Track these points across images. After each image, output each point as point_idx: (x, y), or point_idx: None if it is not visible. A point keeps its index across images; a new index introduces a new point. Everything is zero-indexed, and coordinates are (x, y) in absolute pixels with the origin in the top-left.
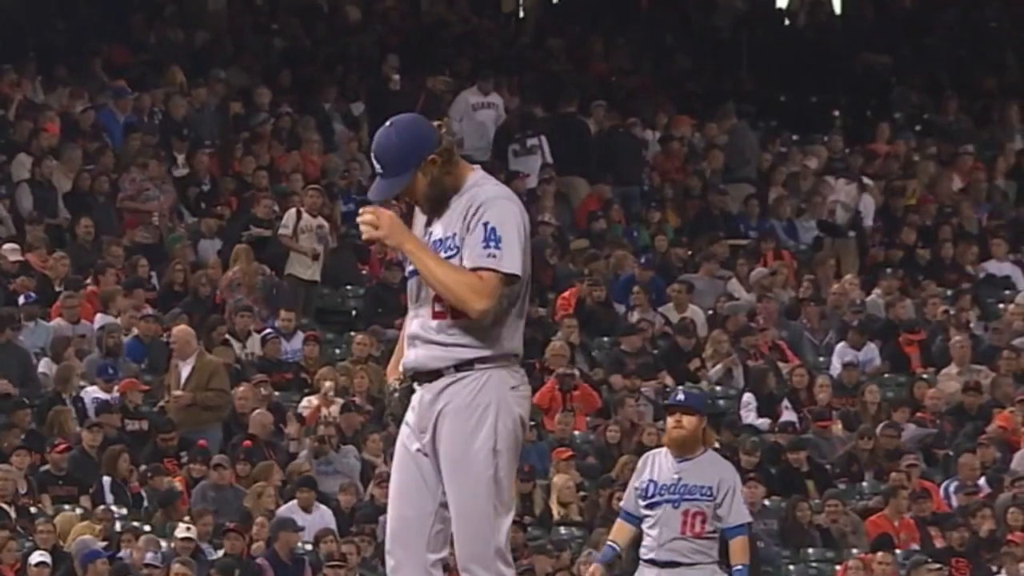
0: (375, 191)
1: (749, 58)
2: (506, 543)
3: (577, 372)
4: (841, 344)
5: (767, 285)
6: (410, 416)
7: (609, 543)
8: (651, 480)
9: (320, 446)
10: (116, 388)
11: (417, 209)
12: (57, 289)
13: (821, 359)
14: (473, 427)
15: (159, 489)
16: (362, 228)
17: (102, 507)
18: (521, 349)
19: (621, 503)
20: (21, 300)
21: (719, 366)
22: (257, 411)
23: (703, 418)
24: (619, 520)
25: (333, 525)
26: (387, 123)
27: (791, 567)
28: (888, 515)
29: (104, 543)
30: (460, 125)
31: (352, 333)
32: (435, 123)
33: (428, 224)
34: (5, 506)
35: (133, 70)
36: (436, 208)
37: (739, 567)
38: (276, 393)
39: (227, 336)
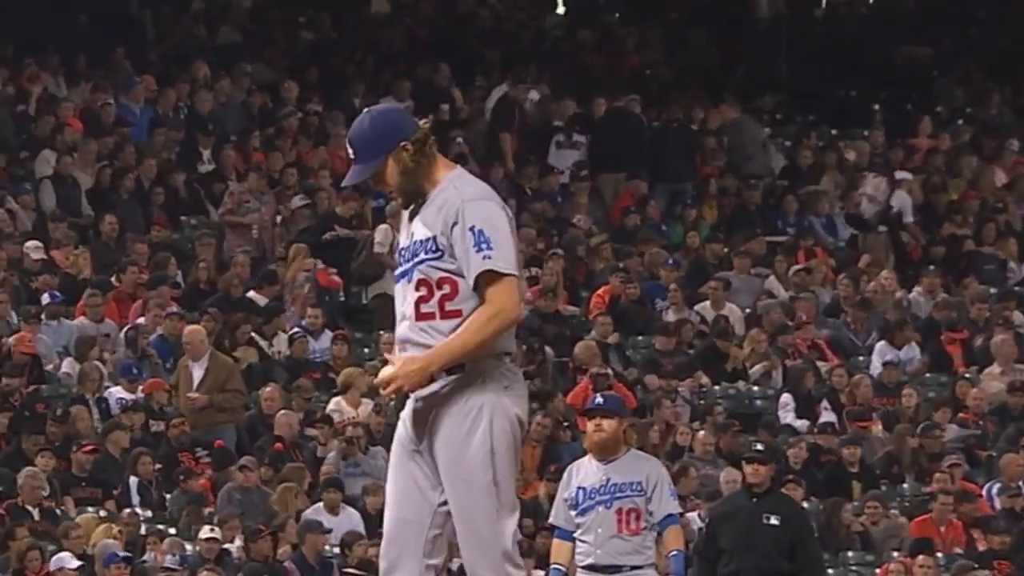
0: (348, 177)
1: (787, 50)
2: (512, 545)
3: (611, 372)
4: (881, 343)
5: (801, 283)
6: (405, 419)
7: (554, 567)
8: (579, 488)
9: (348, 448)
10: (140, 388)
11: (403, 212)
12: (88, 290)
13: (861, 358)
14: (468, 431)
15: (184, 491)
16: (389, 391)
17: (127, 510)
18: (512, 347)
19: (551, 520)
20: (45, 299)
21: (758, 366)
22: (283, 412)
23: (623, 420)
24: (555, 540)
25: (361, 527)
26: (365, 110)
27: (830, 570)
28: (934, 519)
29: (126, 546)
30: None
31: (381, 332)
32: (421, 120)
33: (410, 223)
34: (30, 508)
35: (158, 65)
36: (411, 201)
37: (675, 552)
38: (308, 399)
39: (252, 335)
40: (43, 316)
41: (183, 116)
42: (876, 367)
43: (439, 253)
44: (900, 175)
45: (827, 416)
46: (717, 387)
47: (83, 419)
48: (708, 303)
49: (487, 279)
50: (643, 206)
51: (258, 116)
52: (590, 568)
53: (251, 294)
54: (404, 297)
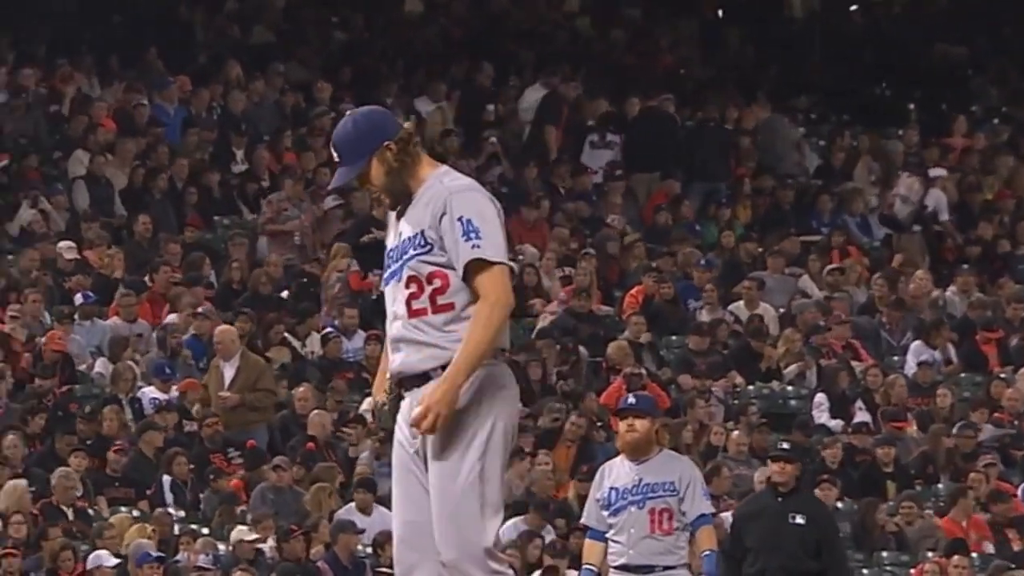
0: (334, 179)
1: (822, 49)
2: (495, 543)
3: (644, 371)
4: (916, 342)
5: (835, 283)
6: (401, 422)
7: (586, 567)
8: (611, 488)
9: (381, 448)
10: (174, 388)
11: (391, 215)
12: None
13: (895, 358)
14: (459, 429)
15: (216, 491)
16: (428, 424)
17: (160, 509)
18: (507, 343)
19: (583, 520)
20: (78, 299)
21: (793, 366)
22: (316, 412)
23: (655, 420)
24: (587, 541)
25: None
26: (348, 113)
27: (864, 571)
28: (955, 516)
29: (159, 545)
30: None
31: None
32: (403, 121)
33: (398, 224)
34: (65, 508)
35: (191, 65)
36: (399, 201)
37: (708, 552)
38: (341, 400)
39: (285, 335)
40: (76, 316)
41: (216, 116)
42: (911, 367)
43: (428, 247)
44: (935, 172)
45: (861, 416)
46: (751, 387)
47: (116, 419)
48: (742, 303)
49: (477, 268)
50: (676, 206)
51: (291, 116)
52: (623, 568)
53: (285, 294)
54: (394, 297)
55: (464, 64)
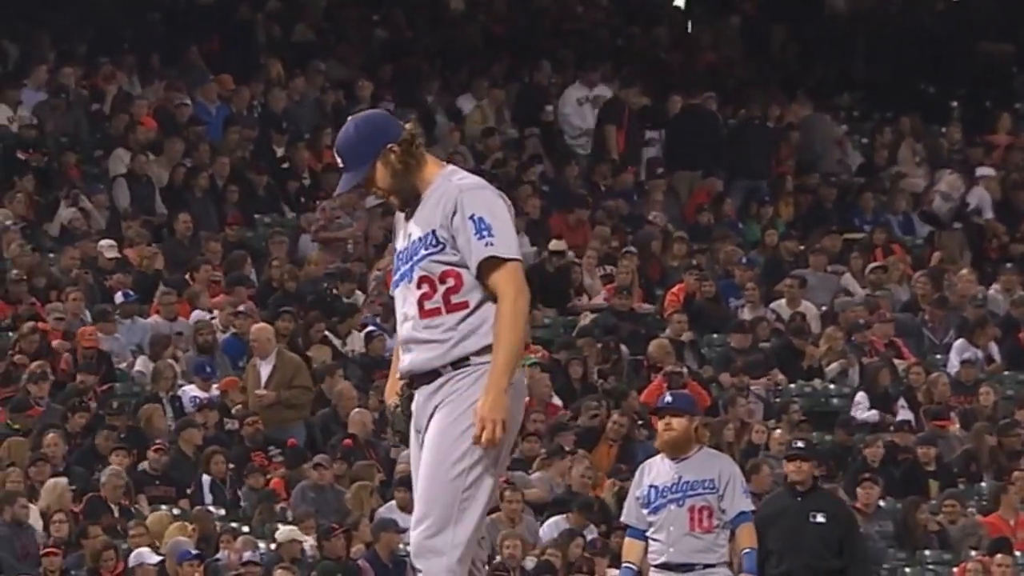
0: (340, 185)
1: (865, 47)
2: (470, 540)
3: (686, 370)
4: (960, 340)
5: (878, 280)
6: (414, 412)
7: (626, 566)
8: (651, 486)
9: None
10: (215, 386)
11: (398, 215)
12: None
13: (938, 356)
14: (455, 419)
15: (256, 489)
16: (488, 435)
17: (200, 507)
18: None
19: (623, 519)
20: (118, 297)
21: (835, 364)
22: (357, 410)
23: (693, 419)
24: (627, 539)
25: None
26: (349, 118)
27: (907, 569)
28: (1002, 514)
29: (199, 543)
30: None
31: None
32: (403, 122)
33: (406, 226)
34: (112, 506)
35: (233, 63)
36: (406, 203)
37: (747, 550)
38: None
39: (326, 333)
40: (117, 314)
41: (257, 114)
42: (954, 365)
43: (440, 246)
44: (981, 171)
45: (904, 414)
46: (793, 385)
47: (157, 417)
48: (784, 301)
49: (491, 266)
50: (718, 204)
51: (332, 114)
52: (663, 567)
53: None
54: (405, 299)
55: (505, 62)
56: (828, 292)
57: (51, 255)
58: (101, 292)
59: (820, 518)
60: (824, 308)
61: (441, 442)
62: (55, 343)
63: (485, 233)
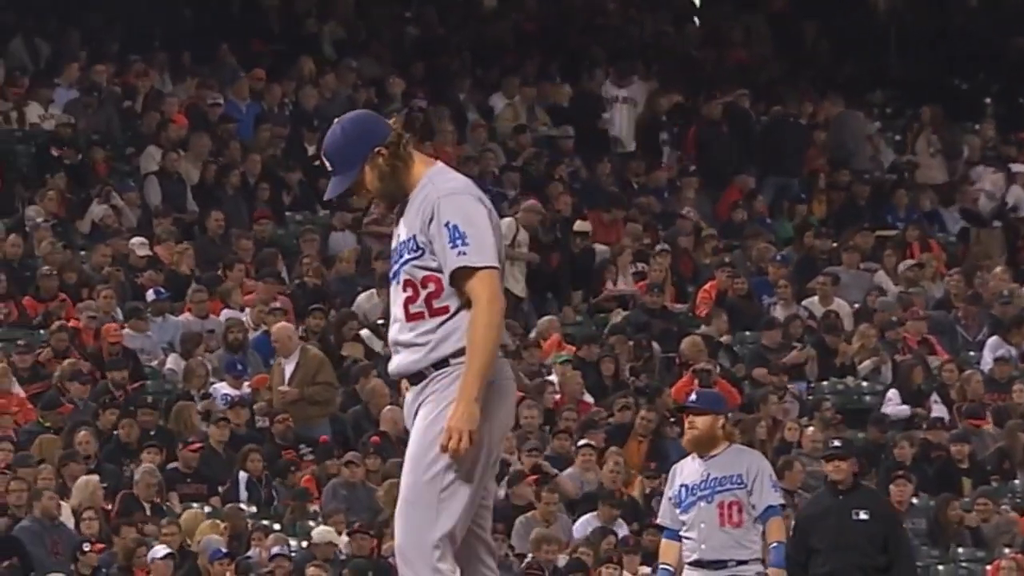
0: (328, 189)
1: (897, 43)
2: (447, 538)
3: (718, 368)
4: (993, 338)
5: (913, 277)
6: (407, 414)
7: (662, 566)
8: (682, 485)
9: None
10: (246, 384)
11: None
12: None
13: (972, 353)
14: (435, 417)
15: (288, 486)
16: (455, 444)
17: (232, 505)
18: (505, 339)
19: (658, 520)
20: (150, 295)
21: (868, 362)
22: (389, 407)
23: (718, 416)
24: (663, 540)
25: None
26: (336, 121)
27: (940, 567)
28: None
29: (230, 541)
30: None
31: None
32: (389, 119)
33: (398, 225)
34: (145, 504)
35: (265, 60)
36: (393, 204)
37: (776, 544)
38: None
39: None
40: (148, 312)
41: (288, 112)
42: (987, 362)
43: (420, 252)
44: (1016, 168)
45: (937, 411)
46: (825, 383)
47: (189, 415)
48: (816, 298)
49: (463, 275)
50: (750, 201)
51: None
52: (696, 564)
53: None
54: (394, 299)
55: (537, 59)
56: (861, 289)
57: (82, 252)
58: (132, 290)
59: (863, 515)
60: (857, 305)
61: (418, 444)
62: (85, 341)
63: (459, 242)
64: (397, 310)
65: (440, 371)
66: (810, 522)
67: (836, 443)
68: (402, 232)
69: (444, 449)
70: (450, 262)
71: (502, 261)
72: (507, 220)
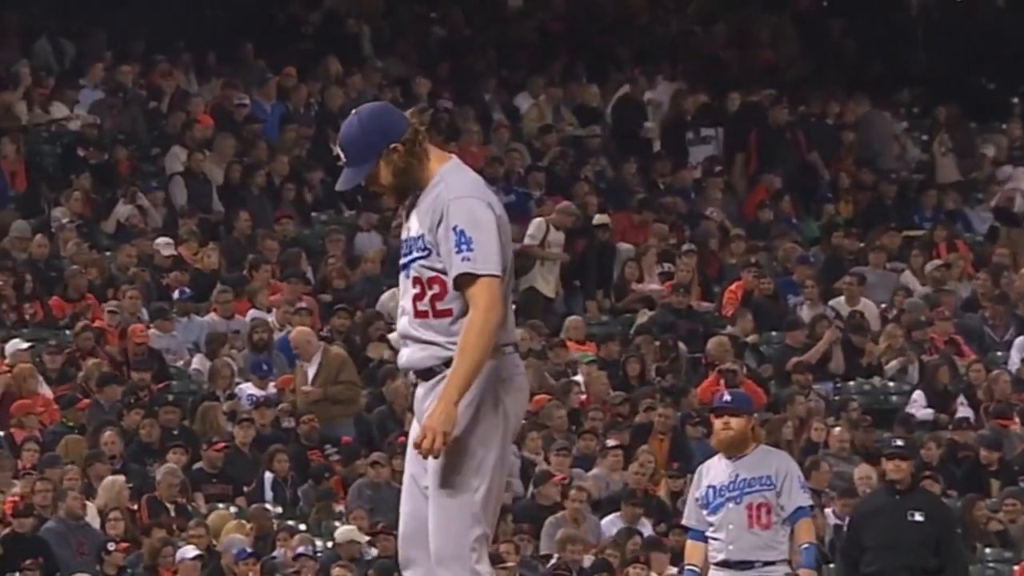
0: (341, 181)
1: (924, 42)
2: (482, 539)
3: (745, 368)
4: (1021, 338)
5: (941, 277)
6: (415, 413)
7: (688, 567)
8: (709, 486)
9: None
10: (272, 384)
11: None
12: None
13: (999, 354)
14: (459, 427)
15: (314, 487)
16: (428, 445)
17: (257, 505)
18: (514, 338)
19: (684, 521)
20: (175, 295)
21: (894, 362)
22: None
23: (751, 418)
24: (688, 541)
25: None
26: (353, 112)
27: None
28: None
29: (256, 541)
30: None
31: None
32: (407, 112)
33: (408, 217)
34: (168, 504)
35: (292, 60)
36: (404, 198)
37: (806, 545)
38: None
39: (384, 333)
40: (174, 313)
41: (314, 112)
42: (1015, 363)
43: (427, 252)
44: None
45: (963, 412)
46: (852, 383)
47: (214, 416)
48: (843, 298)
49: (466, 281)
50: (777, 201)
51: None
52: (722, 564)
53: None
54: (404, 291)
55: (563, 59)
56: (888, 290)
57: (107, 253)
58: (158, 290)
59: (918, 517)
60: (883, 305)
61: (441, 460)
62: (110, 341)
63: (464, 247)
64: (406, 303)
65: (451, 368)
66: (864, 519)
67: (898, 442)
68: (413, 226)
69: (417, 446)
70: (454, 267)
71: (508, 267)
72: (538, 220)
